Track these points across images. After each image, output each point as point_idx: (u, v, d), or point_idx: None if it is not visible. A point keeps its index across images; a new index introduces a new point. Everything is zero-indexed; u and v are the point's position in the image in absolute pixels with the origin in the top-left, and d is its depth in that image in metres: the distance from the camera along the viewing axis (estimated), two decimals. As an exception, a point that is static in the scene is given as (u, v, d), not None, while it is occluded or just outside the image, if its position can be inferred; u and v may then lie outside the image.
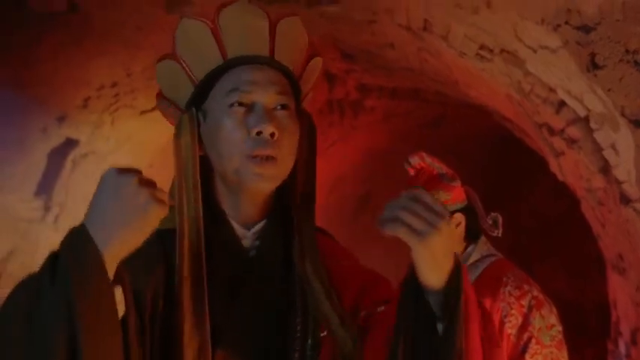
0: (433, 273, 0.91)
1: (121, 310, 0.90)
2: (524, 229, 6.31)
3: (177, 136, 1.07)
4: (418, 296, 0.93)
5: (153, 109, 4.27)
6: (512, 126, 3.62)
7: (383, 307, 1.09)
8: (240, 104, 1.03)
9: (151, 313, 0.97)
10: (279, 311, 1.05)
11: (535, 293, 1.93)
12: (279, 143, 1.03)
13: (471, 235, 2.10)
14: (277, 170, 1.04)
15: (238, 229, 1.08)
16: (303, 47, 1.14)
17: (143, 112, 4.25)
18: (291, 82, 1.10)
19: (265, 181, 1.03)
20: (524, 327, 1.89)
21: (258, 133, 1.01)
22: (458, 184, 2.08)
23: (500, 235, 2.08)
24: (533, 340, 1.87)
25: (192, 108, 1.08)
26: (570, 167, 2.57)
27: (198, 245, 1.01)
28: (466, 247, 2.09)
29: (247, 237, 1.08)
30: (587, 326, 5.32)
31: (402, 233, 0.88)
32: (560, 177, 2.79)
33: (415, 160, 2.12)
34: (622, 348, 2.65)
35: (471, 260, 2.08)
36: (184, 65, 1.10)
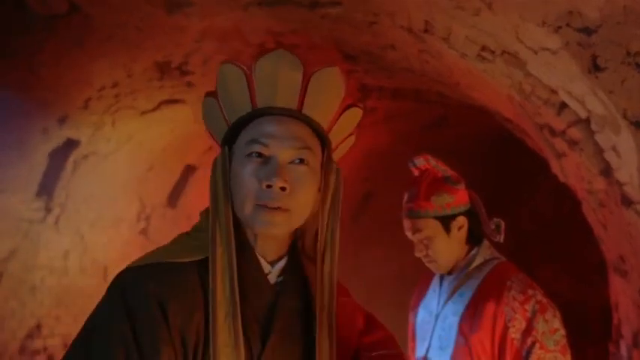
0: None
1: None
2: (525, 232, 6.30)
3: (212, 171, 1.14)
4: None
5: (153, 110, 4.28)
6: (514, 127, 3.62)
7: (380, 352, 1.20)
8: (259, 155, 1.11)
9: (194, 349, 1.05)
10: (304, 345, 1.13)
11: (539, 297, 1.93)
12: (292, 196, 1.10)
13: (474, 239, 2.09)
14: (287, 219, 1.11)
15: (264, 264, 1.15)
16: (336, 98, 1.19)
17: (144, 113, 4.25)
18: (319, 135, 1.16)
19: (274, 228, 1.10)
20: (528, 331, 1.89)
21: (268, 186, 1.08)
22: (462, 187, 2.08)
23: (502, 240, 2.07)
24: (537, 345, 1.87)
25: (225, 147, 1.15)
26: (572, 169, 2.57)
27: (231, 276, 1.07)
28: (469, 251, 2.09)
29: (272, 273, 1.15)
30: (589, 329, 5.31)
31: None
32: (561, 178, 2.79)
33: (420, 162, 2.13)
34: (623, 350, 2.64)
35: (475, 264, 2.08)
36: (221, 106, 1.17)
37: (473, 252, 2.09)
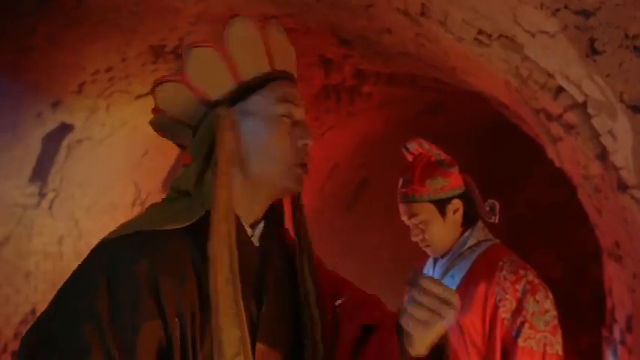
0: (424, 346, 1.06)
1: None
2: (520, 218, 6.31)
3: (220, 128, 1.10)
4: None
5: (148, 94, 4.24)
6: (510, 112, 3.61)
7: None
8: (288, 116, 1.14)
9: (191, 319, 1.03)
10: (291, 304, 1.17)
11: (530, 278, 1.93)
12: (309, 156, 1.17)
13: (469, 221, 2.09)
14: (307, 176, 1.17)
15: (247, 229, 1.15)
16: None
17: (138, 97, 4.22)
18: None
19: (302, 185, 1.16)
20: (518, 311, 1.89)
21: (305, 145, 1.15)
22: (456, 170, 2.08)
23: (497, 221, 2.07)
24: (527, 325, 1.87)
25: (230, 106, 1.13)
26: (568, 153, 2.56)
27: (231, 242, 1.05)
28: (463, 233, 2.09)
29: (254, 236, 1.17)
30: (583, 314, 5.34)
31: (412, 328, 1.02)
32: (557, 163, 2.78)
33: (413, 146, 2.12)
34: (617, 334, 2.66)
35: (468, 245, 2.07)
36: (230, 61, 1.13)
37: (466, 234, 2.09)
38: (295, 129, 1.15)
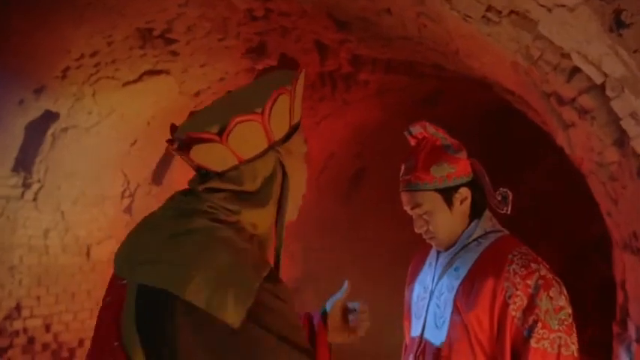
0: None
1: None
2: (521, 209, 6.17)
3: (290, 166, 1.25)
4: None
5: (136, 81, 4.07)
6: (514, 99, 3.45)
7: None
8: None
9: None
10: None
11: (543, 272, 1.77)
12: None
13: (477, 212, 1.93)
14: None
15: None
16: None
17: (126, 84, 4.05)
18: None
19: None
20: (529, 309, 1.73)
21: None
22: (464, 155, 1.91)
23: (509, 212, 1.91)
24: (540, 324, 1.71)
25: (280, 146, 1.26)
26: (580, 140, 2.41)
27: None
28: (470, 224, 1.93)
29: None
30: (584, 307, 5.21)
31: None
32: (567, 150, 2.63)
33: (417, 130, 1.95)
34: (632, 331, 2.51)
35: (474, 236, 1.91)
36: (292, 105, 1.25)
37: (472, 224, 1.93)
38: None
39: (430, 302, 1.94)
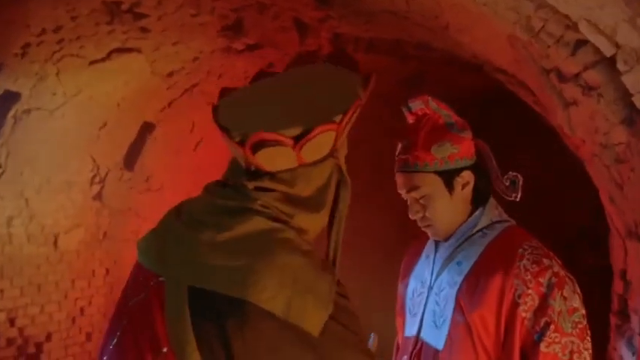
0: None
1: None
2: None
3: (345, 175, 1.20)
4: None
5: (104, 60, 3.82)
6: (506, 78, 3.28)
7: None
8: None
9: None
10: None
11: (556, 269, 1.59)
12: None
13: (480, 199, 1.75)
14: None
15: None
16: None
17: (93, 63, 3.80)
18: None
19: None
20: (541, 310, 1.55)
21: None
22: (468, 135, 1.73)
23: (518, 199, 1.73)
24: (552, 327, 1.54)
25: None
26: (582, 120, 2.24)
27: None
28: (472, 212, 1.74)
29: None
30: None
31: None
32: (566, 131, 2.46)
33: (417, 105, 1.76)
34: (635, 324, 2.36)
35: (479, 227, 1.73)
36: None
37: (476, 213, 1.74)
38: None
39: (428, 298, 1.76)
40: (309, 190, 1.13)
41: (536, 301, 1.56)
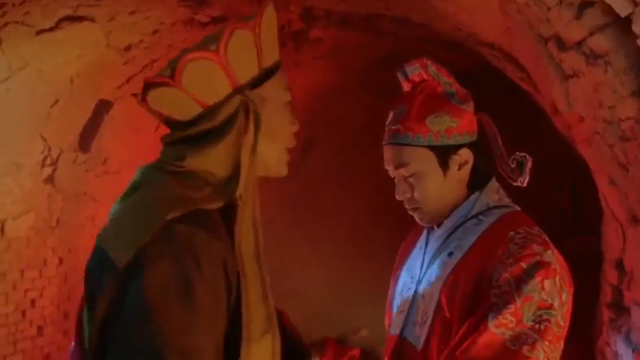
0: None
1: None
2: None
3: (252, 113, 1.16)
4: None
5: (52, 29, 3.48)
6: (492, 53, 3.05)
7: None
8: (290, 103, 1.26)
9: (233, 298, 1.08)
10: None
11: (547, 259, 1.31)
12: None
13: (478, 182, 1.50)
14: None
15: None
16: None
17: (40, 32, 3.45)
18: None
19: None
20: (509, 292, 1.28)
21: (296, 130, 1.28)
22: (470, 108, 1.48)
23: (525, 184, 1.49)
24: (512, 309, 1.26)
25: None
26: (584, 92, 2.02)
27: (255, 223, 1.14)
28: (469, 197, 1.50)
29: None
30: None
31: None
32: (563, 108, 2.24)
33: (414, 70, 1.51)
34: (636, 317, 2.16)
35: (474, 212, 1.48)
36: (259, 47, 1.17)
37: (472, 197, 1.50)
38: (292, 115, 1.26)
39: (416, 294, 1.51)
40: (212, 125, 1.14)
41: (512, 285, 1.30)
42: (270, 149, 1.21)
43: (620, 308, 2.40)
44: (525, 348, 1.25)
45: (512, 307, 1.27)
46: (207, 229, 1.05)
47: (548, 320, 1.27)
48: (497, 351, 1.25)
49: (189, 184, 1.11)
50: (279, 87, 1.22)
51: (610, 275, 2.54)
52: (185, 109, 1.14)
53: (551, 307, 1.28)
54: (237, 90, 1.15)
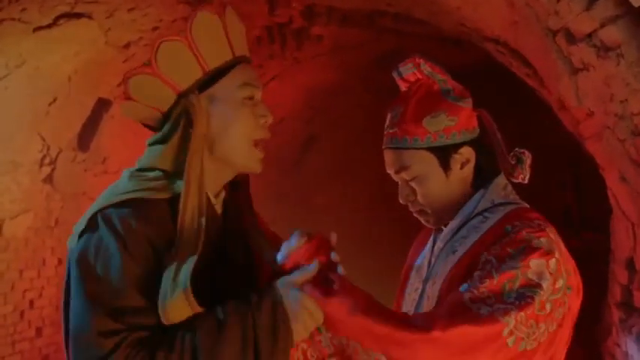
0: None
1: None
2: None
3: (193, 114, 1.25)
4: None
5: (50, 26, 3.43)
6: (497, 48, 2.99)
7: None
8: (250, 98, 1.30)
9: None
10: (242, 260, 1.38)
11: (536, 244, 1.23)
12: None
13: (483, 179, 1.45)
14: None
15: (212, 199, 1.33)
16: None
17: (38, 30, 3.40)
18: None
19: (261, 166, 1.33)
20: (490, 271, 1.22)
21: (265, 122, 1.32)
22: (468, 104, 1.43)
23: (526, 180, 1.44)
24: (488, 283, 1.20)
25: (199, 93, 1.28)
26: (594, 86, 1.96)
27: (200, 213, 1.23)
28: (472, 195, 1.44)
29: (216, 204, 1.34)
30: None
31: None
32: (571, 102, 2.18)
33: (408, 69, 1.47)
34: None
35: (479, 209, 1.42)
36: (196, 52, 1.25)
37: (476, 195, 1.44)
38: (256, 109, 1.30)
39: (423, 294, 1.46)
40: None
41: (494, 265, 1.23)
42: (230, 146, 1.27)
43: (630, 308, 2.35)
44: (486, 309, 1.17)
45: (487, 281, 1.20)
46: (136, 212, 1.17)
47: (532, 297, 1.19)
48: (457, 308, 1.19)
49: (143, 177, 1.25)
50: (234, 84, 1.27)
51: (620, 275, 2.49)
52: (150, 117, 1.29)
53: (537, 285, 1.20)
54: (182, 95, 1.25)
